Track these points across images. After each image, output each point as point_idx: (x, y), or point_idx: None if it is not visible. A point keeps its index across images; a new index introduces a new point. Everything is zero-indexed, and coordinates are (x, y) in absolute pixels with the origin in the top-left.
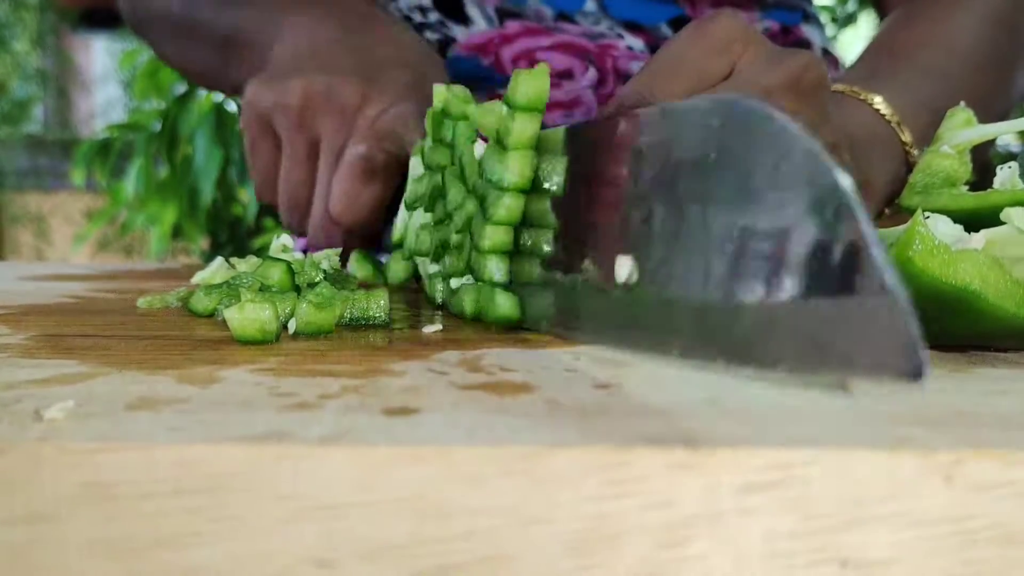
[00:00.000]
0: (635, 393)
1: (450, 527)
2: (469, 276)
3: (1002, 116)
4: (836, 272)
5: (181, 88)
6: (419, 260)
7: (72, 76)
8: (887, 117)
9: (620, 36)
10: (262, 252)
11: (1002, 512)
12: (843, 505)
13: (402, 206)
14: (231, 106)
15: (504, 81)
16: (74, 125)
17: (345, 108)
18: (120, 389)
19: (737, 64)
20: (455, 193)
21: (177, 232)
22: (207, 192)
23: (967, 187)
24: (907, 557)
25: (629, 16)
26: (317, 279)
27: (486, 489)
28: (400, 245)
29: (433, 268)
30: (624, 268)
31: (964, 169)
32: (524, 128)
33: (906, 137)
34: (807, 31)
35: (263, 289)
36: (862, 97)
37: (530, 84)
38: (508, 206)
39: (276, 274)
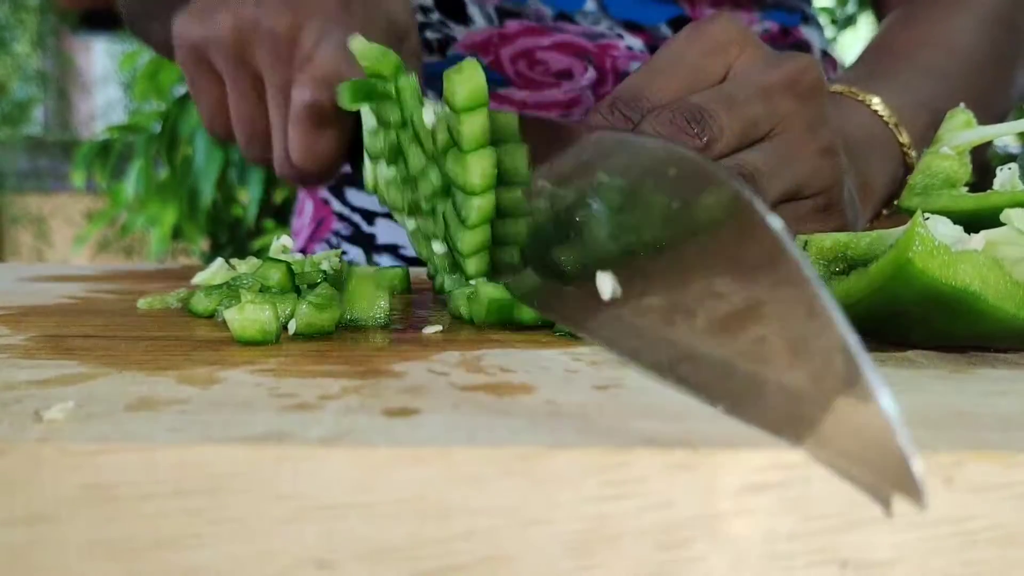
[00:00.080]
0: (635, 393)
1: (450, 528)
2: (447, 248)
3: (1001, 117)
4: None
5: (181, 89)
6: (396, 216)
7: (72, 78)
8: (885, 118)
9: (620, 36)
10: (262, 253)
11: (1002, 513)
12: (843, 506)
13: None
14: None
15: (503, 81)
16: (74, 127)
17: (278, 39)
18: (120, 390)
19: (734, 66)
20: (415, 159)
21: (177, 233)
22: (207, 193)
23: (966, 188)
24: (907, 558)
25: (629, 16)
26: (317, 280)
27: (486, 490)
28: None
29: (411, 224)
30: (607, 286)
31: (964, 170)
32: (472, 128)
33: (904, 138)
34: (806, 32)
35: (263, 290)
36: (860, 98)
37: (464, 84)
38: (479, 207)
39: (276, 275)
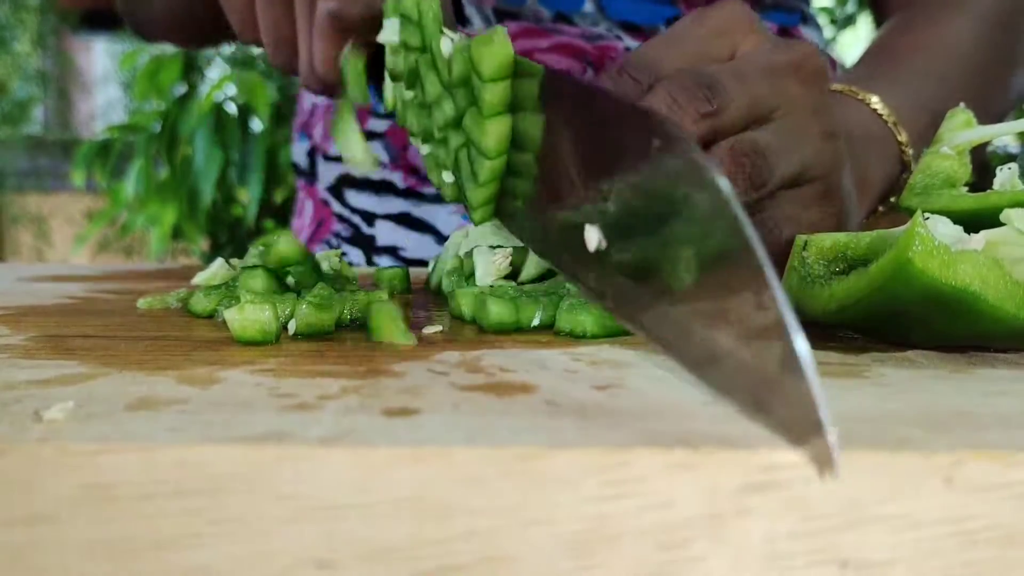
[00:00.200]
0: (635, 393)
1: (450, 528)
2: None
3: (1001, 117)
4: None
5: (181, 89)
6: (412, 140)
7: (72, 77)
8: (884, 116)
9: (618, 37)
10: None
11: (1002, 513)
12: (843, 506)
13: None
14: (231, 107)
15: None
16: (74, 126)
17: None
18: (120, 390)
19: (739, 49)
20: (431, 86)
21: (177, 233)
22: (207, 193)
23: (966, 188)
24: (907, 558)
25: (627, 17)
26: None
27: (486, 490)
28: (393, 114)
29: (425, 149)
30: (593, 237)
31: (964, 170)
32: (494, 97)
33: (902, 137)
34: (805, 32)
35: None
36: (859, 97)
37: (493, 56)
38: (491, 168)
39: (258, 283)
